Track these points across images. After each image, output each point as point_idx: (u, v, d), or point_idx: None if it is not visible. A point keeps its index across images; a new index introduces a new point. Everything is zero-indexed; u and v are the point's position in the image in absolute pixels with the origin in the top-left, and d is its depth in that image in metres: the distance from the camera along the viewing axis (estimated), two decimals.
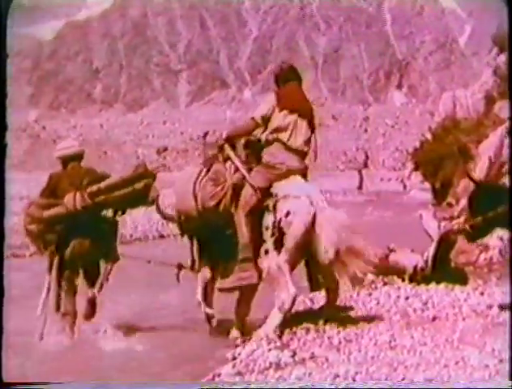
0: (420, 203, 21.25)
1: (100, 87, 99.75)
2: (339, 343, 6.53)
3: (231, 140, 7.46)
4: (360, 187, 42.86)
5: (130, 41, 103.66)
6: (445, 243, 9.82)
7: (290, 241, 6.93)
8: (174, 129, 79.37)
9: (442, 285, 9.15)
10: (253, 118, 7.40)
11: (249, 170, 7.29)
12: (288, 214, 6.93)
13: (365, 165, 68.78)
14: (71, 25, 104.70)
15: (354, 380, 5.42)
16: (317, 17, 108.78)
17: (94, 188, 7.64)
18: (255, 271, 7.10)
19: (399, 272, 9.88)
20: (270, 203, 7.06)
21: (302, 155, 7.31)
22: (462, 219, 9.82)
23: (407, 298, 8.46)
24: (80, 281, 7.78)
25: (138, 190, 7.71)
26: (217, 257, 7.46)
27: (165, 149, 73.86)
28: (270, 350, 6.51)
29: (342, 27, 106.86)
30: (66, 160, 7.95)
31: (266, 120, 7.33)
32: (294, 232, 6.90)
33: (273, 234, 6.98)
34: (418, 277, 9.61)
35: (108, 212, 7.89)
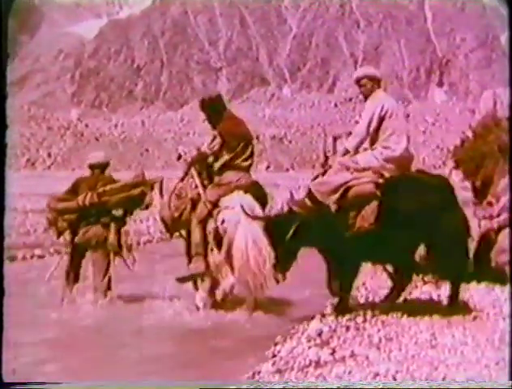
0: (460, 201, 21.09)
1: (141, 85, 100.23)
2: (380, 341, 6.50)
3: (196, 162, 9.15)
4: None
5: (171, 39, 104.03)
6: (485, 242, 9.75)
7: (225, 243, 8.59)
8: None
9: (483, 285, 9.10)
10: (204, 152, 9.17)
11: (205, 187, 9.01)
12: (223, 222, 8.66)
13: None
14: (113, 24, 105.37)
15: (394, 379, 5.40)
16: (357, 14, 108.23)
17: (101, 190, 9.66)
18: (203, 263, 8.81)
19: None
20: (214, 212, 8.77)
21: (247, 170, 9.08)
22: (502, 218, 9.77)
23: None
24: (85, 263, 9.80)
25: (134, 195, 9.69)
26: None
27: None
28: (309, 348, 6.50)
29: (382, 24, 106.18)
30: (93, 167, 10.02)
31: (215, 153, 9.07)
32: (228, 235, 8.56)
33: (214, 237, 8.71)
34: None
35: (118, 212, 9.74)
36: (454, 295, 7.78)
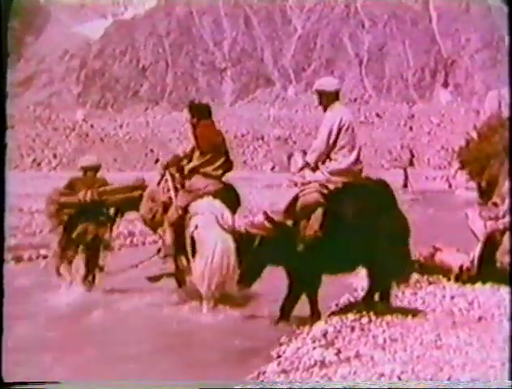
0: (465, 202, 21.07)
1: (146, 85, 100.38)
2: (384, 342, 6.50)
3: (170, 165, 9.56)
4: (405, 186, 42.68)
5: (176, 40, 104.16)
6: (490, 243, 9.74)
7: (199, 247, 8.82)
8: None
9: (488, 285, 9.09)
10: (178, 155, 9.69)
11: (177, 191, 9.38)
12: (196, 227, 8.88)
13: (411, 164, 68.44)
14: (118, 24, 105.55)
15: (400, 379, 5.41)
16: (362, 14, 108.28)
17: (101, 189, 10.31)
18: (173, 264, 9.38)
19: (445, 272, 9.84)
20: (187, 218, 9.05)
21: (217, 178, 9.34)
22: (507, 219, 9.76)
23: (452, 298, 8.41)
24: (79, 257, 10.27)
25: (133, 197, 10.13)
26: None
27: None
28: (314, 348, 6.49)
29: (387, 24, 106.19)
30: (86, 169, 10.60)
31: (188, 156, 9.48)
32: (200, 239, 8.80)
33: (190, 243, 8.92)
34: (464, 277, 9.55)
35: (111, 211, 10.35)
36: (384, 298, 7.87)
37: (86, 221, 10.24)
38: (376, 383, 5.41)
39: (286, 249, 7.80)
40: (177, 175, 9.52)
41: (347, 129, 7.82)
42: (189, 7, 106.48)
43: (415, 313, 7.67)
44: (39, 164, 76.56)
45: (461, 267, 9.68)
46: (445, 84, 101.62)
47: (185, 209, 9.15)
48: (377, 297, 7.97)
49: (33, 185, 31.92)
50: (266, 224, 7.88)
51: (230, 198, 9.32)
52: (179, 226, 9.20)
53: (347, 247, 7.58)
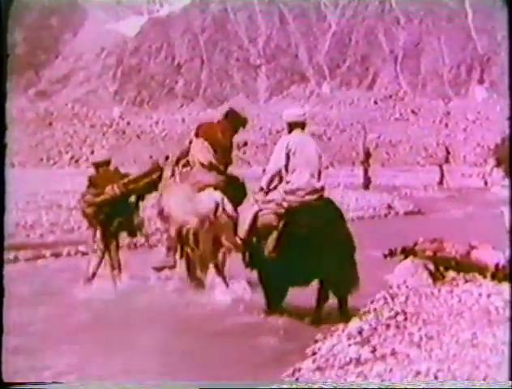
0: (501, 199, 20.94)
1: (181, 82, 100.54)
2: (420, 339, 6.50)
3: (179, 161, 10.28)
4: (440, 183, 42.40)
5: (211, 37, 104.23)
6: None
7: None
8: (253, 124, 79.66)
9: None
10: (186, 150, 10.29)
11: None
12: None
13: (446, 161, 67.82)
14: (153, 21, 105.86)
15: (436, 377, 5.40)
16: (397, 11, 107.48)
17: (126, 180, 10.96)
18: (173, 258, 10.05)
19: (481, 269, 9.80)
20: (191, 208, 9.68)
21: (215, 168, 10.01)
22: None
23: (488, 296, 8.37)
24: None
25: (153, 180, 10.83)
26: None
27: (245, 144, 74.19)
28: (350, 346, 6.51)
29: (422, 20, 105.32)
30: (97, 165, 11.30)
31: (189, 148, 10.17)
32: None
33: (193, 232, 9.66)
34: (500, 275, 9.51)
35: (132, 199, 11.11)
36: (342, 305, 8.55)
37: (120, 214, 10.98)
38: (412, 382, 5.42)
39: (254, 261, 8.77)
40: (184, 170, 10.26)
41: (294, 153, 8.62)
42: (223, 4, 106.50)
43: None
44: (77, 161, 77.05)
45: (497, 265, 9.64)
46: (481, 81, 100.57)
47: (189, 200, 9.81)
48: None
49: (71, 181, 32.24)
50: (238, 240, 8.93)
51: (234, 190, 9.89)
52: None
53: (300, 263, 8.31)
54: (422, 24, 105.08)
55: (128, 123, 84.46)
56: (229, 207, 9.65)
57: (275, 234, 8.47)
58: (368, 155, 42.90)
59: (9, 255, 13.27)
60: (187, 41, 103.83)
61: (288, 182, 8.63)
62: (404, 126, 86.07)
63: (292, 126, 8.98)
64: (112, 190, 10.80)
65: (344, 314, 8.38)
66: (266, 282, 8.72)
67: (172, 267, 10.19)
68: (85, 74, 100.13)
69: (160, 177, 10.83)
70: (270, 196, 8.65)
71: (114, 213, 10.96)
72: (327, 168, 73.53)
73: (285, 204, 8.58)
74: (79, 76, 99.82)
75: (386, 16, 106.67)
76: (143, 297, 9.89)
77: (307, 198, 8.58)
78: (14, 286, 10.36)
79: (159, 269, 10.30)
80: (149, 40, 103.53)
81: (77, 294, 10.33)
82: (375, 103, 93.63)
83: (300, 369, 6.07)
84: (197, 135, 10.25)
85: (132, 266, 11.29)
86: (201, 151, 10.06)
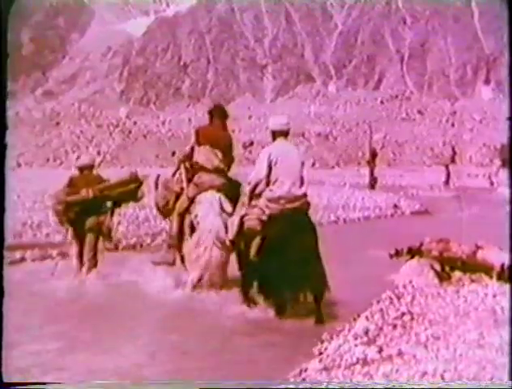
0: (507, 200, 20.92)
1: (187, 82, 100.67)
2: (427, 340, 6.49)
3: (185, 159, 10.53)
4: (446, 183, 42.40)
5: (217, 36, 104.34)
6: None
7: (198, 232, 9.85)
8: (259, 123, 79.70)
9: None
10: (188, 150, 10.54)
11: (189, 183, 10.33)
12: (196, 216, 9.98)
13: (452, 161, 67.85)
14: (160, 21, 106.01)
15: (442, 378, 5.40)
16: (403, 11, 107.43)
17: (101, 185, 11.40)
18: (172, 255, 10.45)
19: (487, 270, 9.79)
20: (191, 207, 10.12)
21: (220, 171, 10.30)
22: None
23: (494, 296, 8.36)
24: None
25: (129, 189, 11.47)
26: None
27: (251, 143, 74.27)
28: (356, 346, 6.50)
29: (428, 20, 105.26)
30: (81, 168, 11.70)
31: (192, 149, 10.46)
32: (200, 227, 9.84)
33: (190, 230, 10.05)
34: (506, 275, 9.51)
35: (108, 203, 11.48)
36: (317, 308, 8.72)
37: (90, 215, 11.41)
38: (418, 382, 5.41)
39: (241, 262, 9.30)
40: (190, 169, 10.47)
41: (275, 163, 8.97)
42: (230, 4, 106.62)
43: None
44: None
45: (503, 266, 9.64)
46: (487, 81, 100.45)
47: (192, 199, 10.18)
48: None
49: None
50: (227, 242, 9.43)
51: (233, 193, 10.19)
52: (185, 216, 10.30)
53: (279, 268, 8.72)
54: (428, 24, 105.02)
55: (134, 123, 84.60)
56: (229, 209, 9.95)
57: (257, 239, 8.91)
58: (374, 154, 42.90)
59: (16, 255, 13.32)
60: (193, 41, 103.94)
61: (270, 190, 8.99)
62: (410, 125, 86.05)
63: (275, 134, 9.26)
64: (86, 192, 11.33)
65: (318, 315, 8.64)
66: (247, 281, 9.17)
67: (171, 264, 10.51)
68: (92, 74, 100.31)
69: (136, 188, 11.53)
70: (255, 202, 9.04)
71: (84, 214, 11.43)
72: (333, 168, 73.57)
73: (267, 211, 8.96)
74: (86, 76, 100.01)
75: (392, 16, 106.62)
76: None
77: (288, 205, 8.96)
78: (22, 286, 10.41)
79: (157, 264, 10.66)
80: (155, 40, 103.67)
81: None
82: (381, 103, 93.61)
83: (306, 370, 6.06)
84: (198, 142, 10.53)
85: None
86: (207, 159, 10.36)
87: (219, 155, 10.40)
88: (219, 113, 10.81)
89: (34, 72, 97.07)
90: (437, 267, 10.24)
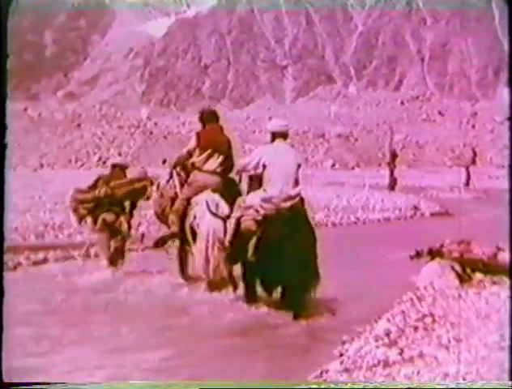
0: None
1: (208, 83, 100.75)
2: (448, 342, 6.49)
3: (177, 165, 10.82)
4: (467, 184, 42.23)
5: (237, 38, 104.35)
6: None
7: (198, 236, 10.07)
8: None
9: None
10: (183, 155, 10.77)
11: (182, 186, 10.65)
12: (194, 217, 10.20)
13: (473, 162, 67.53)
14: (180, 22, 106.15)
15: (464, 380, 5.40)
16: (424, 11, 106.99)
17: (112, 184, 11.90)
18: (177, 227, 10.52)
19: (508, 271, 9.76)
20: (188, 209, 10.32)
21: (217, 174, 10.46)
22: None
23: None
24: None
25: (136, 188, 11.85)
26: None
27: None
28: (377, 347, 6.51)
29: (449, 21, 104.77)
30: (114, 166, 12.29)
31: (191, 153, 10.67)
32: (200, 228, 10.05)
33: (190, 232, 10.24)
34: None
35: (126, 203, 12.00)
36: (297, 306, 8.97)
37: (102, 212, 11.89)
38: (440, 384, 5.42)
39: (239, 261, 9.51)
40: (182, 173, 10.80)
41: (265, 167, 9.29)
42: (250, 5, 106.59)
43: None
44: (104, 162, 77.43)
45: None
46: (509, 83, 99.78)
47: (188, 201, 10.42)
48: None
49: None
50: (226, 242, 9.51)
51: (231, 192, 10.27)
52: (183, 217, 10.53)
53: (275, 267, 8.93)
54: (449, 25, 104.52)
55: (155, 124, 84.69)
56: (226, 209, 10.06)
57: (254, 240, 9.14)
58: (394, 156, 42.83)
59: (38, 256, 13.43)
60: (214, 42, 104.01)
61: (264, 190, 9.28)
62: (431, 127, 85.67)
63: (274, 136, 9.54)
64: (98, 191, 11.96)
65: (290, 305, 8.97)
66: (247, 280, 9.42)
67: (174, 235, 10.75)
68: (113, 75, 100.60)
69: (143, 187, 11.92)
70: (249, 202, 9.30)
71: (98, 211, 11.94)
72: (353, 169, 73.44)
73: (262, 211, 9.18)
74: (107, 77, 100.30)
75: (412, 17, 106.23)
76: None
77: (282, 205, 9.17)
78: (46, 286, 10.51)
79: (158, 244, 10.99)
80: (176, 41, 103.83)
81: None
82: (402, 104, 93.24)
83: (327, 371, 6.08)
84: (200, 145, 10.72)
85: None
86: (209, 163, 10.55)
87: (221, 158, 10.59)
88: (211, 117, 11.00)
89: (56, 74, 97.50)
90: (458, 268, 10.21)
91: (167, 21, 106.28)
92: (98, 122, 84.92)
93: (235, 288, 9.86)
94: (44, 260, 13.44)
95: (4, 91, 6.72)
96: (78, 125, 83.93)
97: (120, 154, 78.47)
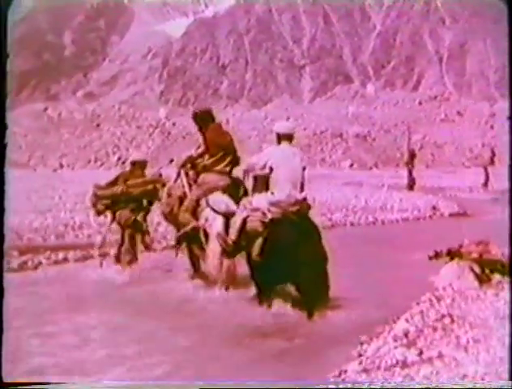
0: None
1: (225, 83, 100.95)
2: (467, 342, 6.49)
3: (184, 165, 10.75)
4: (485, 184, 42.02)
5: (255, 37, 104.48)
6: None
7: (210, 237, 9.97)
8: (297, 124, 79.60)
9: None
10: (191, 155, 10.72)
11: (190, 187, 10.59)
12: (206, 220, 10.12)
13: (491, 162, 67.11)
14: (199, 22, 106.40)
15: (483, 380, 5.41)
16: (442, 11, 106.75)
17: (128, 182, 12.09)
18: (193, 221, 10.40)
19: None
20: (198, 210, 10.30)
21: (225, 174, 10.45)
22: None
23: None
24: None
25: (148, 190, 12.03)
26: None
27: None
28: (396, 348, 6.51)
29: (468, 21, 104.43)
30: (134, 163, 12.46)
31: (201, 156, 10.57)
32: (212, 230, 9.97)
33: (203, 234, 10.17)
34: None
35: (144, 202, 12.16)
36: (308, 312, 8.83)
37: (118, 210, 12.11)
38: (459, 384, 5.43)
39: (245, 260, 9.51)
40: (190, 172, 10.73)
41: (271, 170, 9.26)
42: (268, 5, 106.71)
43: None
44: (123, 162, 77.66)
45: None
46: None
47: (197, 202, 10.40)
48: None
49: None
50: (230, 242, 9.53)
51: (238, 192, 10.31)
52: (192, 217, 10.51)
53: (281, 269, 8.95)
54: (467, 25, 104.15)
55: (173, 124, 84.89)
56: (235, 209, 10.04)
57: (260, 240, 9.15)
58: (412, 156, 42.67)
59: (58, 256, 13.51)
60: (232, 42, 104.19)
61: (272, 194, 9.26)
62: (449, 127, 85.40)
63: (280, 137, 9.53)
64: (116, 189, 12.18)
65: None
66: (256, 279, 9.42)
67: (195, 228, 10.60)
68: (132, 75, 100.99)
69: (155, 189, 11.94)
70: (257, 204, 9.28)
71: (114, 208, 12.19)
72: (371, 169, 73.27)
73: (269, 215, 9.20)
74: (126, 78, 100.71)
75: (431, 17, 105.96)
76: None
77: (289, 209, 9.18)
78: (64, 287, 10.58)
79: (179, 240, 10.92)
80: (194, 41, 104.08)
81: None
82: (420, 104, 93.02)
83: (346, 371, 6.09)
84: (207, 146, 10.67)
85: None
86: (217, 162, 10.54)
87: (230, 157, 10.63)
88: (208, 118, 10.87)
89: (75, 74, 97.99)
90: (477, 269, 10.18)
91: (185, 21, 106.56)
92: (117, 122, 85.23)
93: (248, 288, 9.85)
94: (65, 260, 13.51)
95: (4, 91, 6.72)
96: (98, 125, 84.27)
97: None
